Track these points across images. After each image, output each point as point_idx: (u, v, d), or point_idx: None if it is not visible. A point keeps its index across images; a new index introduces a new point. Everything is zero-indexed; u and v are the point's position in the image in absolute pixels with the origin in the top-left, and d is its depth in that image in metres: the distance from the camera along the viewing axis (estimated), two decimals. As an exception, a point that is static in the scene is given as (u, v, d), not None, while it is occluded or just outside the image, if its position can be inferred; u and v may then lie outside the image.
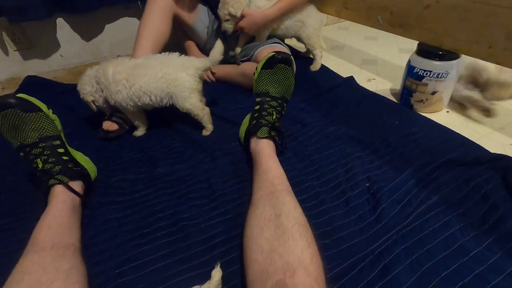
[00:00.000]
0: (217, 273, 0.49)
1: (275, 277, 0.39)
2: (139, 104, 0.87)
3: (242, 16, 1.06)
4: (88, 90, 0.86)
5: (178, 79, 0.84)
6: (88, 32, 1.32)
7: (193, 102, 0.88)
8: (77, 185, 0.66)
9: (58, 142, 0.67)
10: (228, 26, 1.09)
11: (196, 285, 0.48)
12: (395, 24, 1.03)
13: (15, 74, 1.26)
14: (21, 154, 0.65)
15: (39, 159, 0.64)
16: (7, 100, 0.61)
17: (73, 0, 1.14)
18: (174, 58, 0.88)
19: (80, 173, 0.68)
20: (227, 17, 1.07)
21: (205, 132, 0.93)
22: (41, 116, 0.65)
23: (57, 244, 0.52)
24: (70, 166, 0.66)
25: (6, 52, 1.21)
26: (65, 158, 0.66)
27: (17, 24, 1.15)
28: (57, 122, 0.69)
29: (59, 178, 0.63)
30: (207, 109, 0.91)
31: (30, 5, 1.06)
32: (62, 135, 0.70)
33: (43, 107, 0.66)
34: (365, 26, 1.18)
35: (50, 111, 0.68)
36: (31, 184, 0.77)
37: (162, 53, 0.89)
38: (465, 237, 0.57)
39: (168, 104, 0.88)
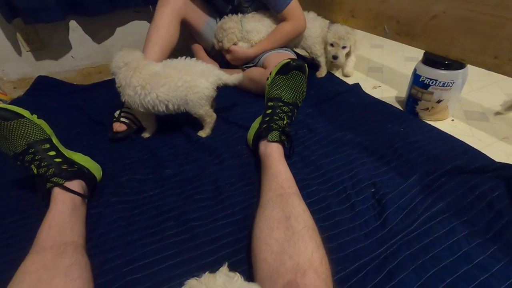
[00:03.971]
0: (223, 270, 0.50)
1: (286, 276, 0.40)
2: (152, 111, 0.88)
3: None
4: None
5: (198, 86, 0.85)
6: (100, 35, 1.35)
7: (207, 110, 0.90)
8: (75, 185, 0.66)
9: (47, 146, 0.67)
10: (216, 45, 1.22)
11: None
12: (402, 33, 1.04)
13: (27, 74, 1.29)
14: (18, 163, 0.66)
15: (33, 165, 0.65)
16: None
17: (87, 3, 1.16)
18: (193, 64, 0.89)
19: (77, 173, 0.68)
20: (219, 43, 1.18)
21: (202, 134, 0.95)
22: (23, 122, 0.64)
23: (57, 243, 0.53)
24: (64, 167, 0.67)
25: (19, 53, 1.24)
26: (57, 160, 0.67)
27: (31, 25, 1.18)
28: (44, 126, 0.69)
29: (54, 180, 0.64)
30: (214, 116, 0.94)
31: (45, 7, 1.09)
32: (53, 138, 0.70)
33: (25, 113, 0.66)
34: (371, 34, 1.20)
35: (35, 116, 0.68)
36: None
37: (179, 58, 0.90)
38: (470, 244, 0.57)
39: (184, 111, 0.90)
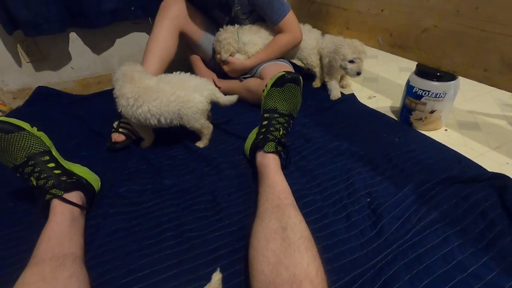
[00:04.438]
0: (216, 276, 0.52)
1: (283, 288, 0.41)
2: (144, 124, 0.89)
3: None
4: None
5: (192, 101, 0.86)
6: (99, 46, 1.37)
7: (203, 123, 0.91)
8: (74, 196, 0.67)
9: (47, 158, 0.68)
10: (217, 59, 1.22)
11: None
12: (395, 45, 1.07)
13: (27, 85, 1.30)
14: (18, 174, 0.67)
15: (32, 177, 0.65)
16: None
17: (87, 15, 1.19)
18: (187, 79, 0.90)
19: (76, 184, 0.69)
20: (218, 55, 1.19)
21: (200, 144, 0.96)
22: (24, 135, 0.65)
23: (56, 254, 0.53)
24: (63, 178, 0.67)
25: (19, 64, 1.25)
26: (57, 172, 0.68)
27: (32, 37, 1.20)
28: (44, 138, 0.70)
29: (53, 192, 0.64)
30: (211, 127, 0.95)
31: (46, 19, 1.11)
32: (52, 150, 0.71)
33: (26, 125, 0.67)
34: (366, 46, 1.23)
35: (35, 128, 0.69)
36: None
37: (174, 73, 0.91)
38: (463, 253, 0.58)
39: (178, 124, 0.90)
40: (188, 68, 1.33)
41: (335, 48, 1.14)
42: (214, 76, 1.29)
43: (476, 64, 0.82)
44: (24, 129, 0.66)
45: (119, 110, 0.88)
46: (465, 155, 0.85)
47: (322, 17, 1.41)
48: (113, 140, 0.97)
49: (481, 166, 0.80)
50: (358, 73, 1.13)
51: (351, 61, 1.12)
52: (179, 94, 0.85)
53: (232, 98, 0.93)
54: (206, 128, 0.93)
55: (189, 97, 0.86)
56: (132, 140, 1.00)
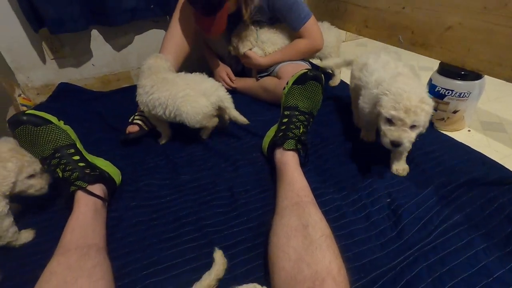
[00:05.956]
0: (217, 253, 0.55)
1: (305, 284, 0.41)
2: (152, 112, 0.91)
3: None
4: None
5: (198, 102, 0.87)
6: (119, 43, 1.39)
7: (203, 124, 0.91)
8: (97, 188, 0.69)
9: (72, 150, 0.70)
10: (232, 51, 1.21)
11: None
12: (417, 43, 1.04)
13: (50, 81, 1.34)
14: (45, 166, 0.69)
15: (58, 169, 0.68)
16: (17, 118, 0.66)
17: (108, 13, 1.21)
18: (201, 81, 0.90)
19: (99, 177, 0.71)
20: (234, 48, 1.19)
21: (202, 135, 0.97)
22: (52, 128, 0.68)
23: (81, 245, 0.55)
24: (87, 171, 0.69)
25: (44, 61, 1.29)
26: (81, 164, 0.70)
27: (56, 35, 1.24)
28: (70, 132, 0.73)
29: (77, 184, 0.66)
30: (216, 120, 0.94)
31: (70, 17, 1.14)
32: (77, 143, 0.73)
33: (53, 119, 0.70)
34: (384, 43, 1.20)
35: (62, 122, 0.72)
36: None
37: (193, 73, 0.92)
38: (489, 257, 0.57)
39: (180, 122, 0.90)
40: (205, 64, 1.34)
41: (377, 93, 0.69)
42: (229, 70, 1.29)
43: (504, 63, 0.79)
44: (51, 122, 0.68)
45: (136, 99, 0.91)
46: (489, 157, 0.82)
47: (340, 15, 1.39)
48: (127, 132, 0.98)
49: (507, 168, 0.78)
50: (394, 145, 0.66)
51: (389, 120, 0.66)
52: (188, 92, 0.86)
53: (243, 120, 0.91)
54: (207, 124, 0.93)
55: (196, 98, 0.87)
56: (145, 132, 1.00)
